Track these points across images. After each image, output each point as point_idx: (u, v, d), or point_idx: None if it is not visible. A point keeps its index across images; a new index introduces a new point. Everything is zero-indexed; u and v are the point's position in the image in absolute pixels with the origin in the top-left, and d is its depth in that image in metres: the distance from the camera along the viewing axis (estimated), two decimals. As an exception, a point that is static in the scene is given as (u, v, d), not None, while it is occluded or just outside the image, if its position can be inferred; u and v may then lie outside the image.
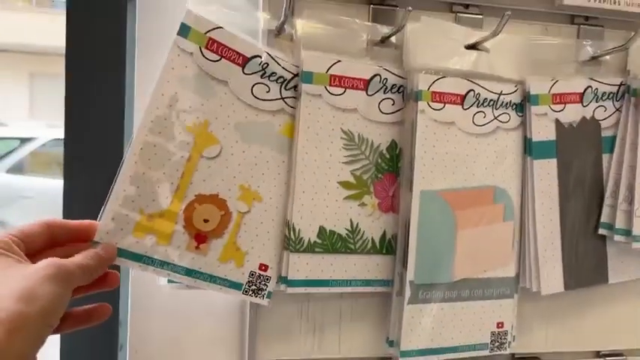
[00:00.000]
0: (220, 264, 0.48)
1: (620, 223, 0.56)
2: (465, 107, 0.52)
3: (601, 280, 0.58)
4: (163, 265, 0.46)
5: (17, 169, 3.05)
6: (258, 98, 0.49)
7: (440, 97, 0.51)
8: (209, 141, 0.47)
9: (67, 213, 0.55)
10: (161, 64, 0.46)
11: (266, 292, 0.49)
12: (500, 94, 0.54)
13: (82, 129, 0.55)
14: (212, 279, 0.47)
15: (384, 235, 0.52)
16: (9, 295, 0.33)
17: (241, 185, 0.48)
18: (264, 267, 0.49)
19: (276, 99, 0.49)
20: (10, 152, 3.08)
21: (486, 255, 0.54)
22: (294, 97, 0.50)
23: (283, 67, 0.49)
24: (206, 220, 0.47)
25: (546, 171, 0.55)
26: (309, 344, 0.54)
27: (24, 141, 3.10)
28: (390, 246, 0.52)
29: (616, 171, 0.57)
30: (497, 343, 0.55)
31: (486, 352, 0.54)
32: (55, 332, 0.39)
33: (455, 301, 0.52)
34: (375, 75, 0.51)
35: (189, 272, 0.47)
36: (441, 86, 0.51)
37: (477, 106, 0.53)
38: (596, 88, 0.57)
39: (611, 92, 0.58)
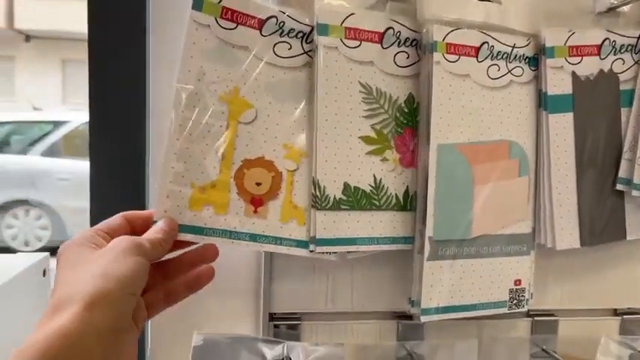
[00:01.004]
0: (282, 224, 0.48)
1: (638, 178, 0.55)
2: (479, 60, 0.52)
3: (619, 236, 0.57)
4: (226, 234, 0.46)
5: (51, 152, 3.12)
6: (281, 57, 0.48)
7: (455, 49, 0.50)
8: (243, 106, 0.47)
9: (95, 193, 0.56)
10: (174, 38, 0.46)
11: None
12: (513, 46, 0.53)
13: (106, 110, 0.56)
14: (278, 241, 0.48)
15: (407, 191, 0.52)
16: (89, 276, 0.35)
17: (285, 144, 0.48)
18: None
19: (300, 54, 0.49)
20: (45, 136, 3.14)
21: (503, 211, 0.53)
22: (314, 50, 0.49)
23: (300, 22, 0.49)
24: (258, 184, 0.48)
25: (562, 125, 0.54)
26: (322, 297, 0.55)
27: (57, 125, 3.17)
28: (413, 202, 0.52)
29: (635, 125, 0.56)
30: (515, 301, 0.54)
31: (505, 310, 0.54)
32: (166, 303, 0.43)
33: (474, 257, 0.52)
34: (389, 28, 0.50)
35: (254, 237, 0.47)
36: (456, 38, 0.50)
37: (491, 59, 0.52)
38: (614, 41, 0.56)
39: (630, 44, 0.56)
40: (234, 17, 0.47)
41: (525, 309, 0.55)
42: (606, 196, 0.56)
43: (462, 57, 0.51)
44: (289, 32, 0.49)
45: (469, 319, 0.56)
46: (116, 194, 0.57)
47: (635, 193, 0.55)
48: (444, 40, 0.50)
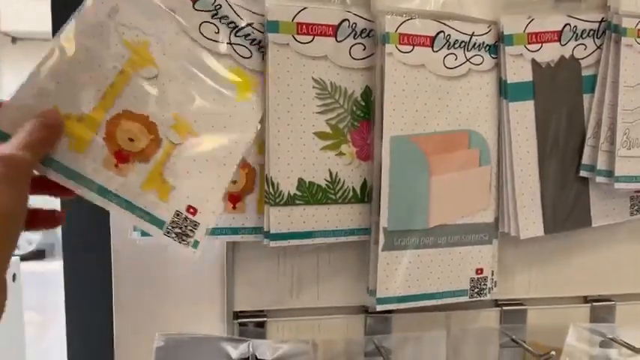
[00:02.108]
0: (142, 192, 0.44)
1: (602, 164, 0.55)
2: (434, 49, 0.51)
3: (584, 223, 0.57)
4: (73, 175, 0.41)
5: None
6: (204, 36, 0.47)
7: (408, 40, 0.50)
8: (147, 61, 0.45)
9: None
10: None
11: (192, 241, 0.45)
12: (472, 35, 0.52)
13: None
14: (129, 206, 0.43)
15: (364, 183, 0.51)
16: None
17: (176, 115, 0.45)
18: (192, 210, 0.45)
19: (224, 42, 0.48)
20: None
21: (463, 201, 0.53)
22: (243, 46, 0.48)
23: (237, 14, 0.48)
24: (131, 140, 0.44)
25: (523, 113, 0.54)
26: (287, 294, 0.55)
27: None
28: (370, 194, 0.52)
29: (597, 111, 0.55)
30: (476, 289, 0.54)
31: (466, 299, 0.54)
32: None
33: (431, 247, 0.52)
34: (344, 20, 0.50)
35: (103, 192, 0.42)
36: (409, 28, 0.50)
37: (448, 48, 0.51)
38: (575, 26, 0.55)
39: (592, 29, 0.56)
40: None
41: (488, 297, 0.55)
42: (570, 183, 0.56)
43: (416, 47, 0.50)
44: (222, 18, 0.47)
45: (437, 310, 0.57)
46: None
47: (599, 179, 0.55)
48: (396, 30, 0.49)
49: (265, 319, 0.55)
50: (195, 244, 0.45)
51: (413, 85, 0.50)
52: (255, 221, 0.50)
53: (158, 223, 0.44)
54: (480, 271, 0.54)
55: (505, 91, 0.53)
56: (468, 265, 0.54)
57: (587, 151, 0.56)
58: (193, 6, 0.46)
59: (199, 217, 0.45)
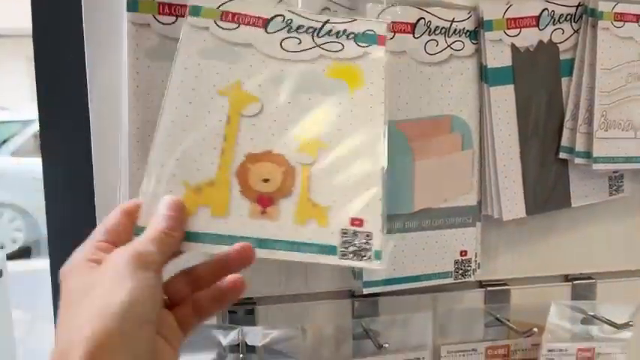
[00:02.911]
0: (299, 227, 0.40)
1: (580, 146, 0.56)
2: (416, 36, 0.52)
3: (564, 204, 0.58)
4: (226, 239, 0.39)
5: (22, 151, 3.06)
6: (289, 51, 0.45)
7: (390, 27, 0.50)
8: (246, 99, 0.42)
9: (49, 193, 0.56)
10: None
11: (372, 252, 0.40)
12: (452, 21, 0.53)
13: (51, 108, 0.55)
14: (294, 246, 0.40)
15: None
16: (86, 315, 0.30)
17: (297, 136, 0.42)
18: (357, 221, 0.41)
19: (311, 47, 0.45)
20: (13, 136, 3.09)
21: (446, 184, 0.54)
22: (330, 42, 0.45)
23: (309, 18, 0.46)
24: (266, 180, 0.41)
25: (503, 97, 0.55)
26: (276, 281, 0.55)
27: (26, 124, 3.11)
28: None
29: (575, 93, 0.57)
30: (460, 271, 0.55)
31: (450, 280, 0.55)
32: (198, 318, 0.37)
33: (416, 231, 0.53)
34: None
35: (264, 243, 0.40)
36: (390, 15, 0.50)
37: (429, 35, 0.52)
38: (553, 10, 0.56)
39: (569, 14, 0.57)
40: (235, 18, 0.44)
41: (472, 279, 0.56)
42: (550, 165, 0.57)
43: (397, 34, 0.51)
44: (298, 28, 0.45)
45: (423, 293, 0.58)
46: (68, 192, 0.56)
47: (577, 160, 0.57)
48: (378, 17, 0.50)
49: (254, 306, 0.56)
50: (377, 254, 0.41)
51: (395, 72, 0.51)
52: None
53: (330, 250, 0.41)
54: (464, 253, 0.55)
55: (486, 75, 0.54)
56: (452, 248, 0.55)
57: (565, 133, 0.57)
58: (266, 31, 0.45)
59: (368, 226, 0.41)
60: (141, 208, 0.38)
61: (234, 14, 0.44)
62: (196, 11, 0.44)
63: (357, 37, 0.45)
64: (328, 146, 0.42)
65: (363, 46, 0.45)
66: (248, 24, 0.44)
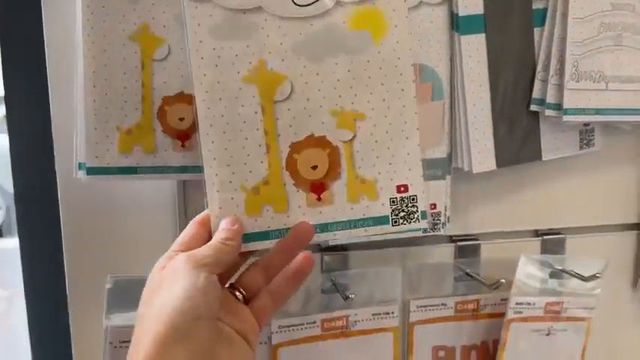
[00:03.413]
0: (353, 205, 0.43)
1: (551, 98, 0.56)
2: (384, -20, 0.50)
3: (534, 156, 0.58)
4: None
5: None
6: (303, 5, 0.42)
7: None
8: (274, 81, 0.41)
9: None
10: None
11: (419, 214, 0.43)
12: (423, -35, 0.51)
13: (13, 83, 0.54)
14: (352, 224, 0.43)
15: None
16: (153, 312, 0.35)
17: (333, 111, 0.42)
18: (403, 188, 0.43)
19: None
20: None
21: (415, 135, 0.53)
22: None
23: None
24: (314, 167, 0.42)
25: (475, 47, 0.54)
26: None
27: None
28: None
29: (547, 44, 0.56)
30: (430, 224, 0.55)
31: (419, 233, 0.55)
32: (275, 305, 0.41)
33: (384, 182, 0.52)
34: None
35: (325, 227, 0.42)
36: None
37: (398, -21, 0.50)
38: (526, -42, 0.55)
39: (543, -38, 0.55)
40: None
41: (442, 232, 0.55)
42: (521, 118, 0.57)
43: (365, -23, 0.49)
44: None
45: (392, 247, 0.57)
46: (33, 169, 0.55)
47: (548, 112, 0.56)
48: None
49: (221, 260, 0.55)
50: (423, 214, 0.44)
51: (362, 17, 0.49)
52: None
53: (384, 221, 0.43)
54: (433, 206, 0.55)
55: (456, 24, 0.53)
56: (421, 200, 0.54)
57: (537, 84, 0.56)
58: None
59: (412, 189, 0.44)
60: (211, 221, 0.41)
61: None
62: None
63: None
64: (364, 115, 0.42)
65: None
66: None
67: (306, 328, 0.55)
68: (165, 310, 0.34)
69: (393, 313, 0.57)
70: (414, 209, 0.43)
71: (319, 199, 0.42)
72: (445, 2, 0.53)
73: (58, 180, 0.51)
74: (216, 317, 0.37)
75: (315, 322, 0.55)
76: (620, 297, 0.66)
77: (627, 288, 0.66)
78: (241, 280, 0.42)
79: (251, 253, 0.42)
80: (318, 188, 0.42)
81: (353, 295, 0.53)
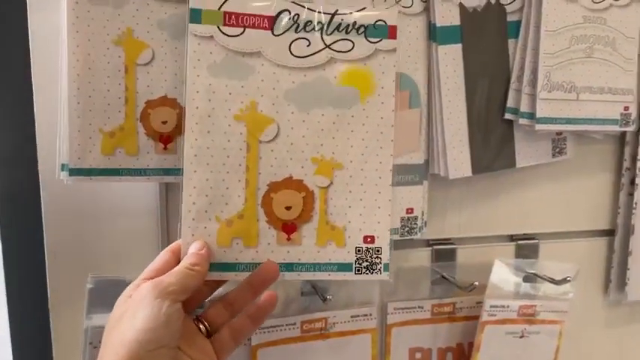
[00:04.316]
0: (320, 249, 0.45)
1: (524, 107, 0.58)
2: (364, -9, 0.52)
3: (509, 164, 0.60)
4: (258, 267, 0.44)
5: None
6: (299, 57, 0.44)
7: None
8: (262, 123, 0.44)
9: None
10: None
11: (382, 265, 0.46)
12: (401, -23, 0.53)
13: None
14: (317, 267, 0.45)
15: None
16: (114, 342, 0.35)
17: (314, 158, 0.45)
18: (369, 239, 0.46)
19: (321, 49, 0.45)
20: None
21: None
22: (341, 40, 0.45)
23: (317, 11, 0.44)
24: (288, 208, 0.44)
25: (451, 56, 0.55)
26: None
27: None
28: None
29: (521, 55, 0.58)
30: (407, 228, 0.56)
31: (397, 237, 0.56)
32: (234, 342, 0.42)
33: (363, 187, 0.54)
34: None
35: (290, 267, 0.45)
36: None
37: (377, -10, 0.52)
38: (501, -28, 0.57)
39: (517, -24, 0.58)
40: (239, 20, 0.43)
41: (419, 236, 0.57)
42: (496, 126, 0.59)
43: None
44: (306, 26, 0.44)
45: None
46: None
47: (521, 121, 0.58)
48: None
49: (202, 262, 0.56)
50: (386, 267, 0.46)
51: (342, 26, 0.51)
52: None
53: (346, 268, 0.45)
54: (410, 210, 0.56)
55: (434, 34, 0.55)
56: (399, 205, 0.55)
57: (511, 94, 0.58)
58: (273, 33, 0.44)
59: (379, 241, 0.46)
60: (181, 247, 0.42)
61: (237, 15, 0.43)
62: (197, 16, 0.43)
63: (367, 31, 0.45)
64: (342, 166, 0.45)
65: (374, 42, 0.46)
66: (254, 26, 0.44)
67: (285, 329, 0.56)
68: (126, 340, 0.34)
69: (371, 315, 0.59)
70: (378, 260, 0.46)
71: (289, 238, 0.44)
72: (423, 13, 0.55)
73: (40, 181, 0.52)
74: (176, 345, 0.38)
75: (294, 324, 0.56)
76: (591, 301, 0.68)
77: (598, 293, 0.68)
78: (206, 313, 0.43)
79: (218, 284, 0.44)
80: (289, 228, 0.44)
81: (331, 297, 0.54)
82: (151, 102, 0.47)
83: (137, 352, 0.34)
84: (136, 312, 0.36)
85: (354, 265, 0.46)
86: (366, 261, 0.46)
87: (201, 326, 0.42)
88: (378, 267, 0.46)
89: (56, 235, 0.53)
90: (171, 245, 0.43)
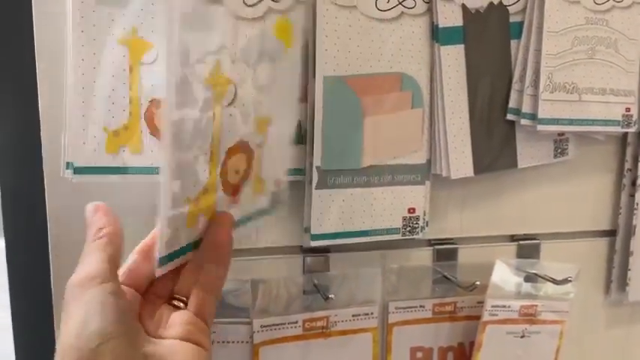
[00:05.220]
0: (253, 200, 0.45)
1: (526, 107, 0.58)
2: (367, -9, 0.52)
3: (510, 164, 0.60)
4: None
5: None
6: (248, 4, 0.42)
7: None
8: (225, 85, 0.40)
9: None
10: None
11: (272, 212, 0.49)
12: (404, -22, 0.53)
13: None
14: (248, 219, 0.45)
15: (299, 125, 0.52)
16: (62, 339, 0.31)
17: (256, 117, 0.43)
18: (278, 182, 0.49)
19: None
20: None
21: (395, 142, 0.55)
22: None
23: None
24: (237, 172, 0.42)
25: (454, 57, 0.56)
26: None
27: None
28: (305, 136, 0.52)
29: (523, 56, 0.58)
30: (408, 228, 0.57)
31: (398, 237, 0.56)
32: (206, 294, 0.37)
33: (364, 186, 0.54)
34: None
35: (236, 224, 0.42)
36: (342, -31, 0.50)
37: (381, -9, 0.52)
38: (504, -27, 0.57)
39: (520, -23, 0.58)
40: None
41: (420, 236, 0.57)
42: (498, 127, 0.59)
43: (348, -12, 0.51)
44: None
45: (373, 250, 0.59)
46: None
47: (523, 121, 0.58)
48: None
49: (205, 260, 0.56)
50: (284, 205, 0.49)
51: (345, 27, 0.51)
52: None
53: (266, 212, 0.48)
54: (412, 210, 0.56)
55: (437, 35, 0.55)
56: (400, 205, 0.56)
57: (513, 95, 0.58)
58: None
59: (284, 185, 0.49)
60: (158, 241, 0.36)
61: None
62: None
63: None
64: (270, 122, 0.45)
65: None
66: None
67: (287, 327, 0.56)
68: (64, 349, 0.30)
69: (372, 314, 0.59)
70: (284, 199, 0.50)
71: (235, 201, 0.43)
72: (426, 14, 0.55)
73: (45, 180, 0.52)
74: (133, 333, 0.33)
75: (296, 322, 0.57)
76: (592, 302, 0.68)
77: (599, 293, 0.69)
78: (178, 288, 0.38)
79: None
80: (236, 190, 0.43)
81: (333, 296, 0.55)
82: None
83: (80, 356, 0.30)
84: (66, 319, 0.32)
85: (271, 210, 0.48)
86: (279, 202, 0.49)
87: (176, 302, 0.37)
88: (285, 206, 0.51)
89: (60, 234, 0.53)
90: (139, 248, 0.39)
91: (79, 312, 0.31)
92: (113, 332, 0.31)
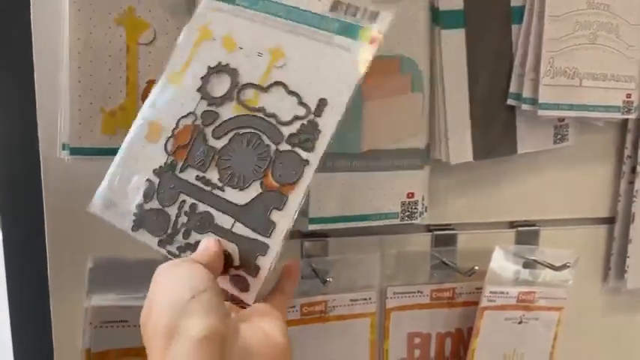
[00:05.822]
0: None
1: (527, 92, 0.57)
2: (367, -27, 0.51)
3: (510, 150, 0.60)
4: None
5: None
6: None
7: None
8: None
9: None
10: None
11: None
12: (405, -40, 0.53)
13: None
14: None
15: None
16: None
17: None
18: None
19: None
20: None
21: (395, 126, 0.54)
22: None
23: None
24: None
25: (455, 41, 0.55)
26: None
27: None
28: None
29: (524, 41, 0.57)
30: (407, 213, 0.56)
31: (397, 221, 0.56)
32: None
33: (364, 170, 0.53)
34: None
35: None
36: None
37: (381, -28, 0.52)
38: (506, -44, 0.56)
39: (521, -39, 0.57)
40: None
41: (419, 221, 0.57)
42: (498, 112, 0.58)
43: (347, -31, 0.50)
44: None
45: (371, 235, 0.59)
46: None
47: (524, 106, 0.58)
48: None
49: (203, 244, 0.56)
50: None
51: (345, 8, 0.50)
52: None
53: None
54: (410, 195, 0.56)
55: (437, 18, 0.54)
56: (399, 189, 0.55)
57: (514, 79, 0.58)
58: None
59: None
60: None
61: None
62: None
63: None
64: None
65: None
66: None
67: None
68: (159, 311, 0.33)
69: (370, 299, 0.59)
70: None
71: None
72: (426, -3, 0.54)
73: (41, 161, 0.51)
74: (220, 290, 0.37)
75: (294, 307, 0.56)
76: (590, 289, 0.69)
77: (597, 280, 0.69)
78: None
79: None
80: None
81: (331, 279, 0.54)
82: (153, 82, 0.47)
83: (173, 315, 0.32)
84: (157, 290, 0.35)
85: None
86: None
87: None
88: None
89: (57, 216, 0.53)
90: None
91: (170, 279, 0.35)
92: (203, 286, 0.34)
